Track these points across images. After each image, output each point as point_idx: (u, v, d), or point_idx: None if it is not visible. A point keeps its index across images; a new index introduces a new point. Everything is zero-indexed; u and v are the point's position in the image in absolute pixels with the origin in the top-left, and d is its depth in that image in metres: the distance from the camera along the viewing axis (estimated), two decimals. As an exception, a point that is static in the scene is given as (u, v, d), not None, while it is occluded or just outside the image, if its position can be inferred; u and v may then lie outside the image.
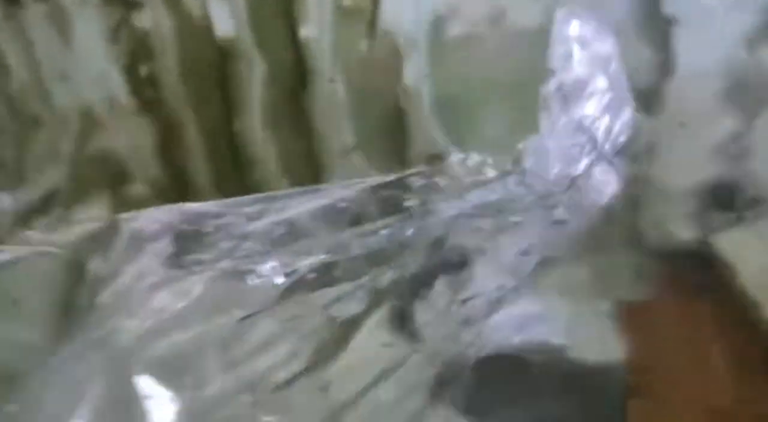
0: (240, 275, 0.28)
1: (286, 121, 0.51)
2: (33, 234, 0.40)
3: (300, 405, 0.31)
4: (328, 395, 0.33)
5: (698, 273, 0.51)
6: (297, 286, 0.32)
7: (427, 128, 0.50)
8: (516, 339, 0.54)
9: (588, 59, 0.33)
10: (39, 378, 0.31)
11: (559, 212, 0.36)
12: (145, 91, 0.52)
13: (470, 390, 0.50)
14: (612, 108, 0.32)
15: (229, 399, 0.28)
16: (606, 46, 0.32)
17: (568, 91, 0.34)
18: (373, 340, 0.36)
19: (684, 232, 0.51)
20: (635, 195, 0.50)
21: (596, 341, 0.53)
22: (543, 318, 0.56)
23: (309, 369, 0.31)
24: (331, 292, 0.33)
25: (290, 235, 0.30)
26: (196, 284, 0.28)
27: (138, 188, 0.54)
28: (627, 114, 0.34)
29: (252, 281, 0.28)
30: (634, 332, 0.53)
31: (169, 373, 0.27)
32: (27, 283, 0.37)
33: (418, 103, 0.49)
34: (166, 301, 0.27)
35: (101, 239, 0.35)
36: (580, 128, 0.35)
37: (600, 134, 0.36)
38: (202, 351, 0.28)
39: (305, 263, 0.29)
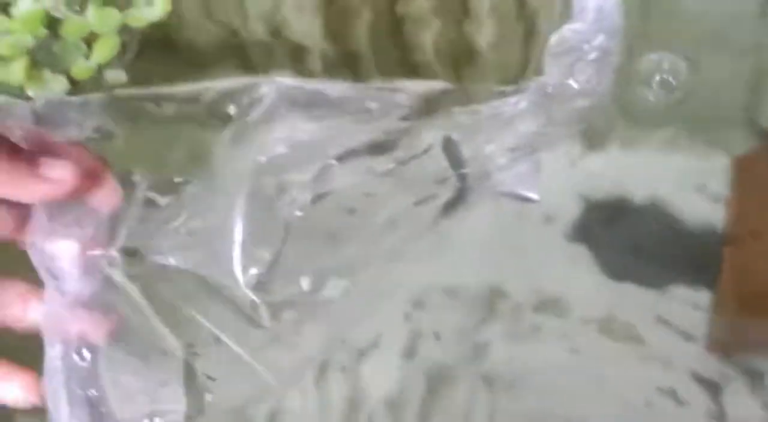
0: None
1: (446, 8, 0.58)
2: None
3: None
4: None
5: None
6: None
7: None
8: (622, 187, 0.65)
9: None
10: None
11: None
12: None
13: (579, 222, 0.64)
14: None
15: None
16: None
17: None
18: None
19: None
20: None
21: (702, 192, 0.64)
22: (652, 168, 0.66)
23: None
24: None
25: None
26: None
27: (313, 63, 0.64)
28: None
29: None
30: (740, 184, 0.63)
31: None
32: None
33: None
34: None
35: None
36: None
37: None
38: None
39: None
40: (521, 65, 0.61)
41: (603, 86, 0.24)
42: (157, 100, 0.31)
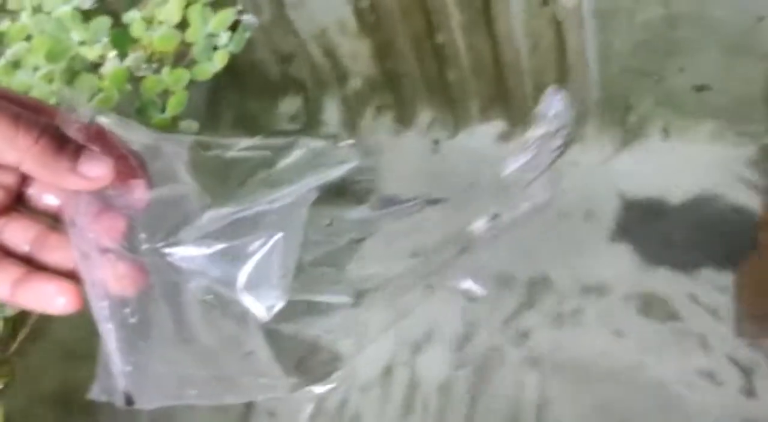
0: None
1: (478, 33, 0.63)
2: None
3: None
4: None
5: None
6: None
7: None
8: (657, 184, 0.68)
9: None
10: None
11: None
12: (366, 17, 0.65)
13: (622, 220, 0.68)
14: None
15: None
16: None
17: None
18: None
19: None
20: None
21: (737, 184, 0.66)
22: (687, 164, 0.69)
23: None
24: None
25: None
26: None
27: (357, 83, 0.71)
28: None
29: None
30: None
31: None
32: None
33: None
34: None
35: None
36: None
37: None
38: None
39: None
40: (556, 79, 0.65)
41: (552, 194, 0.29)
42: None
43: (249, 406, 0.64)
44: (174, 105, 0.56)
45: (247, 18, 0.60)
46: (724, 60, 0.58)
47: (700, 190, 0.66)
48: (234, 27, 0.58)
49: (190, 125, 0.59)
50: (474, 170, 0.73)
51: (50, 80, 0.55)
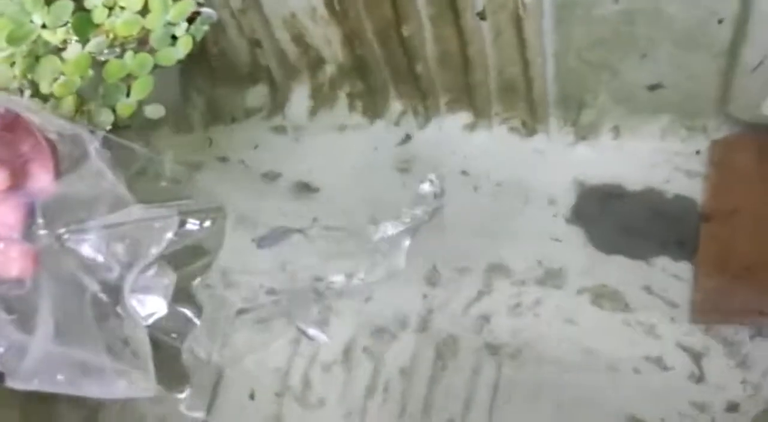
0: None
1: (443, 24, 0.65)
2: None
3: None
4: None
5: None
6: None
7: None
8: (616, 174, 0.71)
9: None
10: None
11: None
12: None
13: (578, 206, 0.70)
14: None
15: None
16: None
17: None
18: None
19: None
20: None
21: (683, 175, 0.69)
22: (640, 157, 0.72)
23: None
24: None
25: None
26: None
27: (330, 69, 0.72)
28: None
29: None
30: (716, 166, 0.68)
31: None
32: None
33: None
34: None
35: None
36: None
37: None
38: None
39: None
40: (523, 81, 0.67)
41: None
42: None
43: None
44: (138, 90, 0.56)
45: (206, 11, 0.61)
46: (678, 56, 0.60)
47: (651, 182, 0.69)
48: (193, 19, 0.59)
49: (156, 109, 0.59)
50: (439, 162, 0.75)
51: (12, 64, 0.55)
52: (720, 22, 0.56)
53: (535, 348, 0.66)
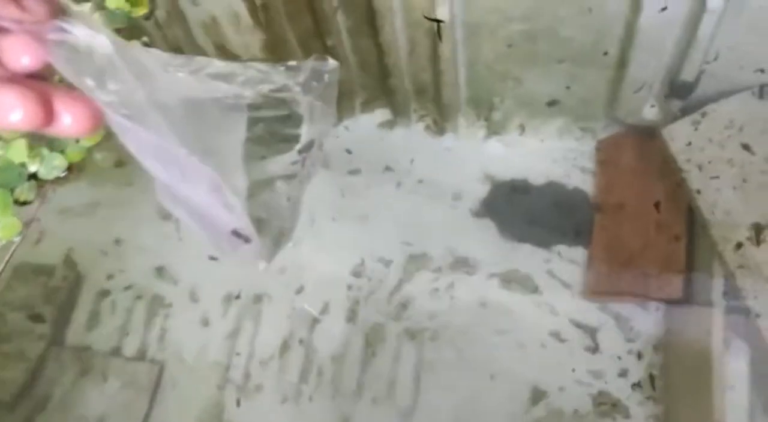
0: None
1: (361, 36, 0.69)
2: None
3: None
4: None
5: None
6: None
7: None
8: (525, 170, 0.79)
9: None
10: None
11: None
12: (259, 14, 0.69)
13: (487, 200, 0.78)
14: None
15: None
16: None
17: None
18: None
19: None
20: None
21: (579, 171, 0.78)
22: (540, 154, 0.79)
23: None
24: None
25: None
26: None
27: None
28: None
29: None
30: (603, 163, 0.77)
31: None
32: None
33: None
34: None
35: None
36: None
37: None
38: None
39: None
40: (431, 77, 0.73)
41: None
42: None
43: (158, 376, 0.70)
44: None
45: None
46: (573, 70, 0.67)
47: (552, 176, 0.77)
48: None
49: (106, 158, 0.61)
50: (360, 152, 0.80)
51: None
52: (605, 54, 0.63)
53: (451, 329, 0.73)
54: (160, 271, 0.76)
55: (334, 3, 0.63)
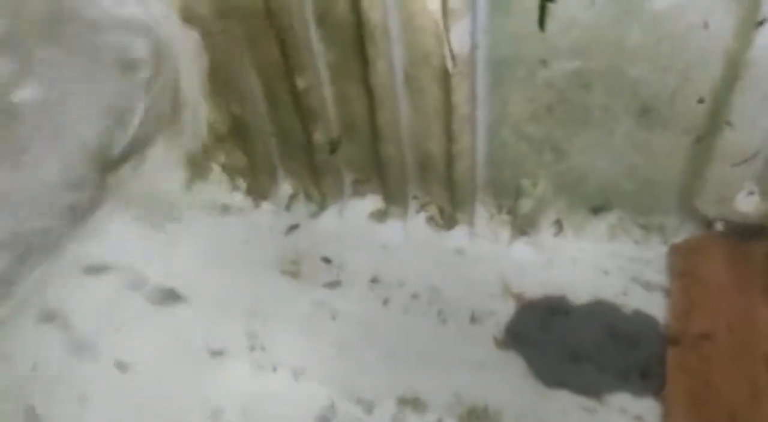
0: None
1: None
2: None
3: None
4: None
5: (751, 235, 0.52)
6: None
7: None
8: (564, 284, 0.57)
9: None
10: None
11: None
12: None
13: (512, 326, 0.55)
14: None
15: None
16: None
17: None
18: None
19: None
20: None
21: (641, 287, 0.56)
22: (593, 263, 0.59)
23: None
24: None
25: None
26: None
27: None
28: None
29: None
30: (679, 275, 0.56)
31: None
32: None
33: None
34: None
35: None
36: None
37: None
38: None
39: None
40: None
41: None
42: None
43: None
44: None
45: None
46: (638, 134, 0.48)
47: (600, 294, 0.54)
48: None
49: None
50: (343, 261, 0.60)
51: None
52: (700, 101, 0.45)
53: None
54: None
55: (307, 18, 0.46)
